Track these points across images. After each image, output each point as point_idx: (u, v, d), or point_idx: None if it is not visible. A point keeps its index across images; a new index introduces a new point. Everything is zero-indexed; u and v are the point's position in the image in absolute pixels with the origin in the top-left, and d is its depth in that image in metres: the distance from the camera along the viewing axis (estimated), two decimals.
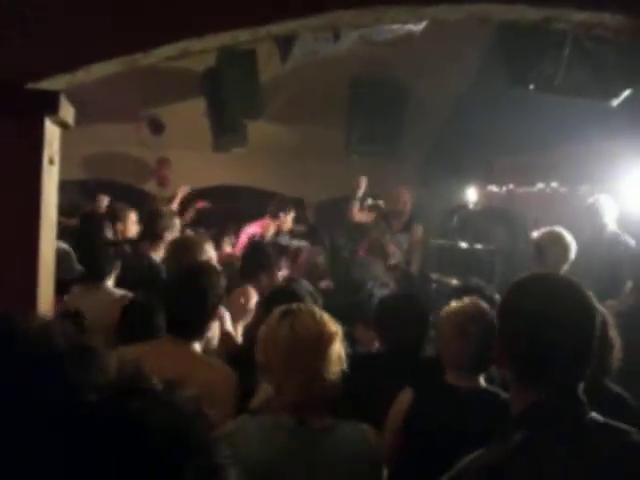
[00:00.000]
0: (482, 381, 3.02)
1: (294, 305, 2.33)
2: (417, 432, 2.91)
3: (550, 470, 1.61)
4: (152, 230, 5.05)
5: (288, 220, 7.02)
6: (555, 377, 1.72)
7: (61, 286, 3.45)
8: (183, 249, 4.22)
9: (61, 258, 3.52)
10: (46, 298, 2.43)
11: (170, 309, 3.01)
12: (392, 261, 6.17)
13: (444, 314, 3.18)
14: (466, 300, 3.16)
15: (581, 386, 1.73)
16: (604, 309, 2.68)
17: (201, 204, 7.73)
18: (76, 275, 4.23)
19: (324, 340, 2.19)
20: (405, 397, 3.01)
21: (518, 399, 1.78)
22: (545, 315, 1.72)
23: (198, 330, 2.94)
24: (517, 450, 1.63)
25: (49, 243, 2.48)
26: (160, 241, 4.93)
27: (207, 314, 2.96)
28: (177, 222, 5.32)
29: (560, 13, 2.47)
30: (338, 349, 2.23)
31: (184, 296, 2.97)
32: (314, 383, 2.15)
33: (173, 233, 5.09)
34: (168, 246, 4.62)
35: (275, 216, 6.95)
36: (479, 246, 7.21)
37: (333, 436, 2.19)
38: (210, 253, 4.28)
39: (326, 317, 2.28)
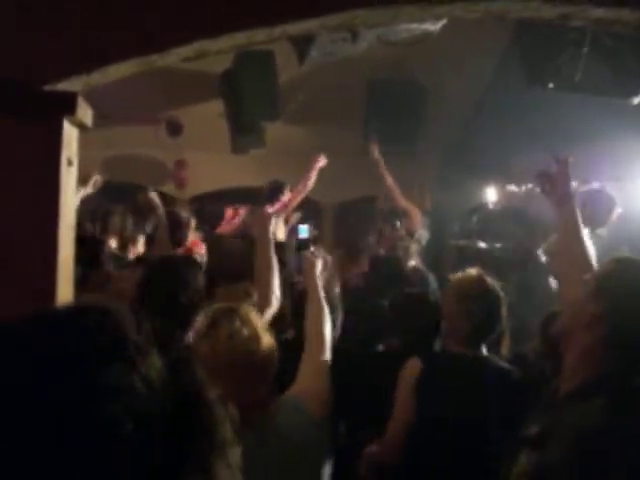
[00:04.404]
0: (484, 350, 3.21)
1: (220, 317, 2.23)
2: (429, 398, 3.03)
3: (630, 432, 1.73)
4: (173, 238, 5.07)
5: (289, 197, 6.79)
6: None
7: None
8: (229, 251, 4.23)
9: None
10: (65, 299, 2.44)
11: (150, 307, 2.93)
12: (413, 262, 6.13)
13: (448, 289, 3.39)
14: (470, 273, 3.28)
15: None
16: None
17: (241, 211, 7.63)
18: None
19: (241, 363, 2.14)
20: (414, 365, 3.13)
21: (591, 367, 1.90)
22: None
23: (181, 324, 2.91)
24: (606, 412, 1.76)
25: (68, 244, 2.50)
26: (179, 248, 4.98)
27: (187, 308, 2.92)
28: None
29: (577, 10, 2.44)
30: (265, 362, 2.18)
31: (163, 292, 2.96)
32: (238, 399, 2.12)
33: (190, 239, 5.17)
34: (212, 248, 4.63)
35: (274, 200, 6.71)
36: (498, 246, 7.16)
37: (277, 422, 2.19)
38: None
39: (249, 330, 2.20)
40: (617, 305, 1.91)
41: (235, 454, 0.75)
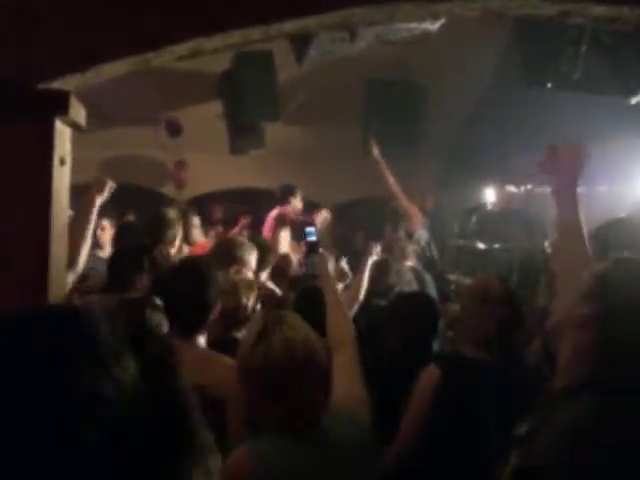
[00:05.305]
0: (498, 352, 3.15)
1: (270, 324, 2.20)
2: (448, 406, 2.99)
3: (618, 431, 1.72)
4: (160, 237, 5.05)
5: (298, 203, 7.16)
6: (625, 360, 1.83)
7: None
8: (230, 250, 4.17)
9: None
10: (57, 297, 2.43)
11: (171, 307, 2.84)
12: (410, 263, 6.12)
13: (468, 291, 3.33)
14: (490, 276, 3.25)
15: None
16: None
17: (245, 221, 7.73)
18: None
19: (299, 368, 2.11)
20: (432, 373, 3.06)
21: (583, 366, 1.88)
22: None
23: (201, 324, 2.90)
24: (597, 411, 1.74)
25: (60, 243, 2.48)
26: (168, 247, 4.96)
27: (208, 308, 2.93)
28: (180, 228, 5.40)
29: (577, 7, 2.42)
30: (319, 369, 2.16)
31: (184, 292, 2.93)
32: (298, 410, 2.09)
33: (179, 238, 5.15)
34: (214, 247, 4.59)
35: (285, 202, 7.01)
36: (497, 246, 7.16)
37: (330, 425, 2.17)
38: (254, 255, 4.23)
39: (304, 337, 2.17)
40: (610, 307, 1.87)
41: (214, 459, 0.73)
